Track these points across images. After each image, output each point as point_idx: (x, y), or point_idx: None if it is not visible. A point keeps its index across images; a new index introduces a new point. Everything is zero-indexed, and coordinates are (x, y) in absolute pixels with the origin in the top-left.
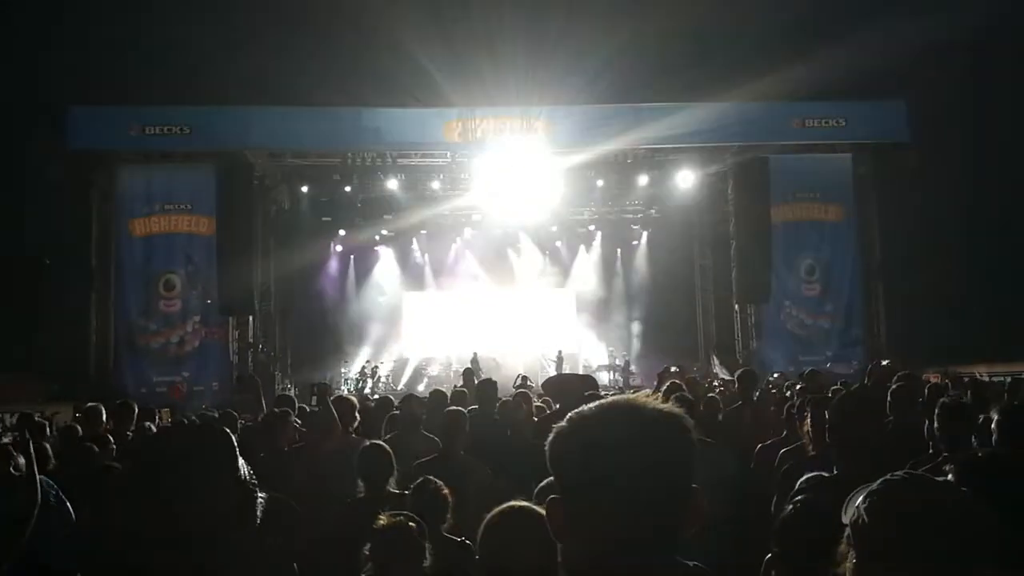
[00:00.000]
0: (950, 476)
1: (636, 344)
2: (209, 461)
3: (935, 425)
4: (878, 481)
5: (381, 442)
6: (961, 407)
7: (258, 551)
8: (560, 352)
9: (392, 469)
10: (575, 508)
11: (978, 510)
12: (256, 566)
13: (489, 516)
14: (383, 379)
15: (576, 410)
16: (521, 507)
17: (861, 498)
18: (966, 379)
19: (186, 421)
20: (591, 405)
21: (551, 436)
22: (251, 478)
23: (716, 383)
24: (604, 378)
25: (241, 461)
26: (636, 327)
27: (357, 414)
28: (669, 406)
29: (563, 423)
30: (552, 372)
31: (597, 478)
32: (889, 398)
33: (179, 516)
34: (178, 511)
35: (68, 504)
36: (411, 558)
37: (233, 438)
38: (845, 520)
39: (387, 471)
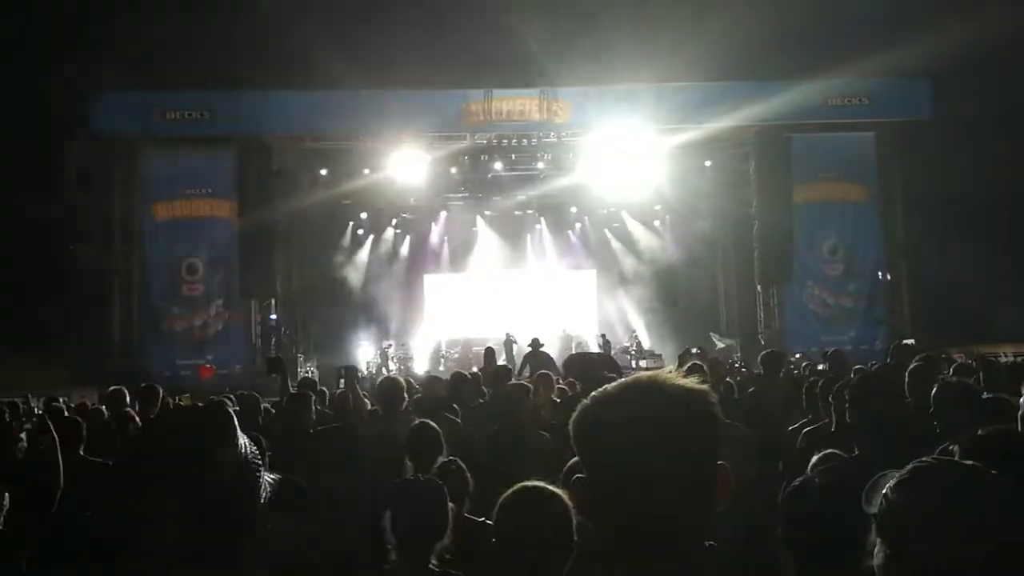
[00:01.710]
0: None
1: (657, 326)
2: (207, 439)
3: (935, 408)
4: (907, 468)
5: (429, 421)
6: (962, 388)
7: (266, 532)
8: (604, 336)
9: (441, 448)
10: (599, 487)
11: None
12: (265, 548)
13: (503, 496)
14: (404, 361)
15: (598, 389)
16: (535, 487)
17: (889, 486)
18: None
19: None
20: (613, 384)
21: (574, 416)
22: (254, 458)
23: (737, 363)
24: (625, 360)
25: (243, 440)
26: (657, 308)
27: (405, 394)
28: (691, 381)
29: (586, 402)
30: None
31: (621, 456)
32: (908, 378)
33: (180, 497)
34: (177, 491)
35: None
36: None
37: (232, 415)
38: (870, 509)
39: (435, 450)
